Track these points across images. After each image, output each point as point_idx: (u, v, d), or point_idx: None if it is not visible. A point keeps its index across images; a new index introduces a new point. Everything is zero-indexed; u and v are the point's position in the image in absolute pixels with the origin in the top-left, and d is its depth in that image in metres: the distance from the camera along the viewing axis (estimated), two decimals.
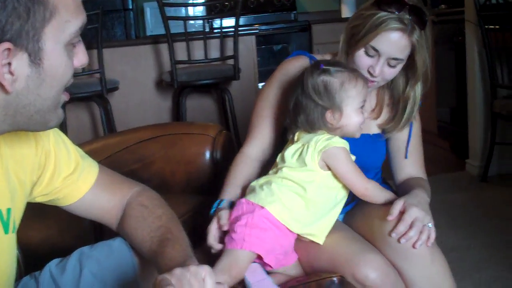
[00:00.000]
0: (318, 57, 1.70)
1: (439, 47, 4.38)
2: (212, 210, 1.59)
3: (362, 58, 1.55)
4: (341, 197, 1.52)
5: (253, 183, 1.54)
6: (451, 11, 4.26)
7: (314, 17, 5.52)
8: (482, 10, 3.47)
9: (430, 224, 1.45)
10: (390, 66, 1.55)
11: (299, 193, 1.46)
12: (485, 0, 3.46)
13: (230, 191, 1.63)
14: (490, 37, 3.46)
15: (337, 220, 1.54)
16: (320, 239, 1.49)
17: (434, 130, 4.51)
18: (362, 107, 1.50)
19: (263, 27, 5.14)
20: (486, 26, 3.46)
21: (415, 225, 1.43)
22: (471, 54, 3.72)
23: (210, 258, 1.45)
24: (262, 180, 1.53)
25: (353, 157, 1.51)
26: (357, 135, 1.52)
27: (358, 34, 1.54)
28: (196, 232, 1.80)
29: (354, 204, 1.66)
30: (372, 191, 1.52)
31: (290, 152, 1.51)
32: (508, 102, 3.39)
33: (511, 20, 3.19)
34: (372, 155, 1.69)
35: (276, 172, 1.52)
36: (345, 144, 1.47)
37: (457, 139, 4.13)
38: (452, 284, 1.48)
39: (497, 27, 3.42)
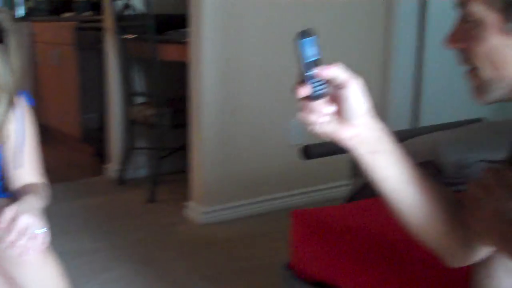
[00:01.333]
0: None
1: (84, 53, 4.41)
2: None
3: None
4: None
5: None
6: (95, 19, 4.31)
7: None
8: (120, 20, 3.59)
9: (41, 230, 1.45)
10: None
11: None
12: (122, 10, 3.60)
13: None
14: (127, 46, 3.60)
15: None
16: None
17: (79, 136, 4.51)
18: None
19: None
20: (124, 36, 3.59)
21: (26, 232, 1.40)
22: (110, 61, 3.81)
23: None
24: None
25: None
26: None
27: None
28: None
29: None
30: None
31: None
32: (142, 109, 3.57)
33: (146, 30, 3.36)
34: None
35: None
36: None
37: (102, 145, 4.21)
38: (64, 287, 1.51)
39: (133, 36, 3.57)
